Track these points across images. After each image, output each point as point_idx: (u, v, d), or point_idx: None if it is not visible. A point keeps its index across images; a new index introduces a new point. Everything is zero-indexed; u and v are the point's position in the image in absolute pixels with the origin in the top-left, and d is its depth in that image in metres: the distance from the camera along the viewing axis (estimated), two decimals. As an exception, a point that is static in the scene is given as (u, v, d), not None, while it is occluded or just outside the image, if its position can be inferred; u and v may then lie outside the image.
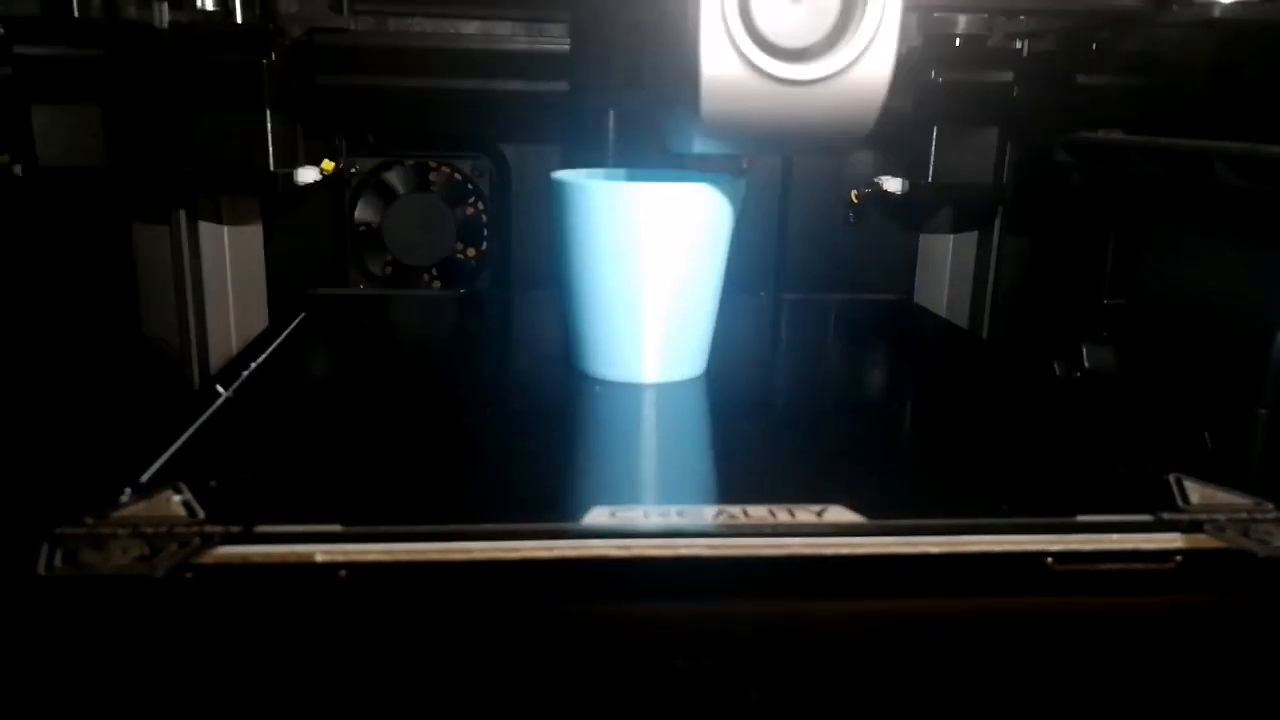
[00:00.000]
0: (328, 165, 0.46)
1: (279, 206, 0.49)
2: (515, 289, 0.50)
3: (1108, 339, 0.39)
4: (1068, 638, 0.21)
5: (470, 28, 0.45)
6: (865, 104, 0.26)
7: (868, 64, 0.25)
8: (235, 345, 0.49)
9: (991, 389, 0.35)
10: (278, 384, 0.33)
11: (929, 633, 0.21)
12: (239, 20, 0.40)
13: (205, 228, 0.48)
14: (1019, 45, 0.44)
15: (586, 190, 0.32)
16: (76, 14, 0.39)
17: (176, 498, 0.23)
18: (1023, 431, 0.31)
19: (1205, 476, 0.26)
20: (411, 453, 0.27)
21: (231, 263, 0.49)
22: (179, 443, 0.27)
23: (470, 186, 0.49)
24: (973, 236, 0.52)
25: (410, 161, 0.49)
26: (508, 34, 0.45)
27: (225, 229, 0.48)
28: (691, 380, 0.34)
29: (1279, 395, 0.31)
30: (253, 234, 0.49)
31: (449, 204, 0.49)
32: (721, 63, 0.25)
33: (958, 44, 0.43)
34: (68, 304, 0.45)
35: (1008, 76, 0.44)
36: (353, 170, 0.48)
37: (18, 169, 0.39)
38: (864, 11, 0.25)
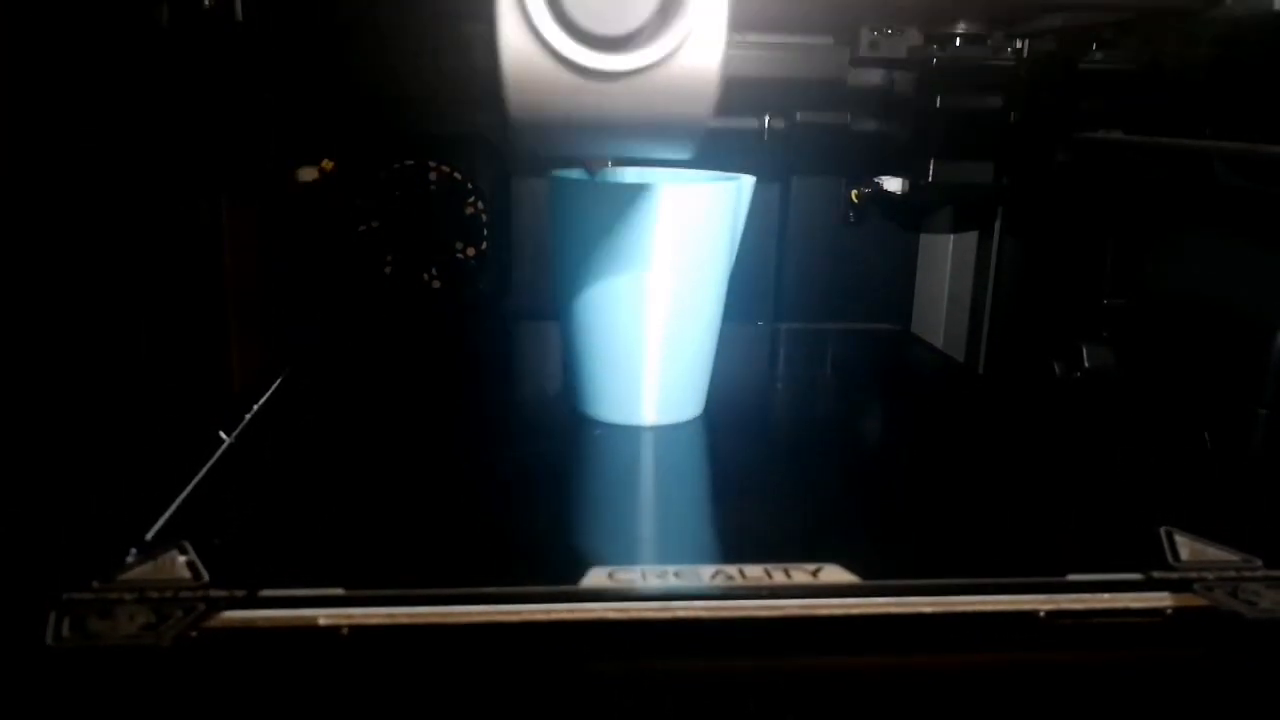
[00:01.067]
0: (327, 165, 0.46)
1: (278, 206, 0.49)
2: (515, 295, 0.50)
3: (1108, 339, 0.39)
4: (1059, 696, 0.21)
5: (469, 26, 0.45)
6: (694, 97, 0.22)
7: (692, 52, 0.22)
8: (235, 345, 0.49)
9: (986, 432, 0.35)
10: (279, 428, 0.33)
11: (923, 691, 0.21)
12: (239, 18, 0.40)
13: (204, 228, 0.48)
14: (1019, 45, 0.44)
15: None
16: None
17: (181, 558, 0.23)
18: (1017, 478, 0.31)
19: (1205, 478, 0.26)
20: (411, 505, 0.28)
21: (231, 263, 0.49)
22: (183, 495, 0.27)
23: (470, 186, 0.49)
24: (973, 236, 0.52)
25: (409, 161, 0.49)
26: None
27: (225, 229, 0.48)
28: (690, 423, 0.34)
29: (1279, 395, 0.31)
30: (252, 234, 0.49)
31: (449, 203, 0.49)
32: (523, 54, 0.21)
33: (957, 43, 0.43)
34: (65, 304, 0.44)
35: (1008, 77, 0.44)
36: (352, 170, 0.48)
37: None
38: None
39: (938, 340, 0.54)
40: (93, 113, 0.38)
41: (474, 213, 0.50)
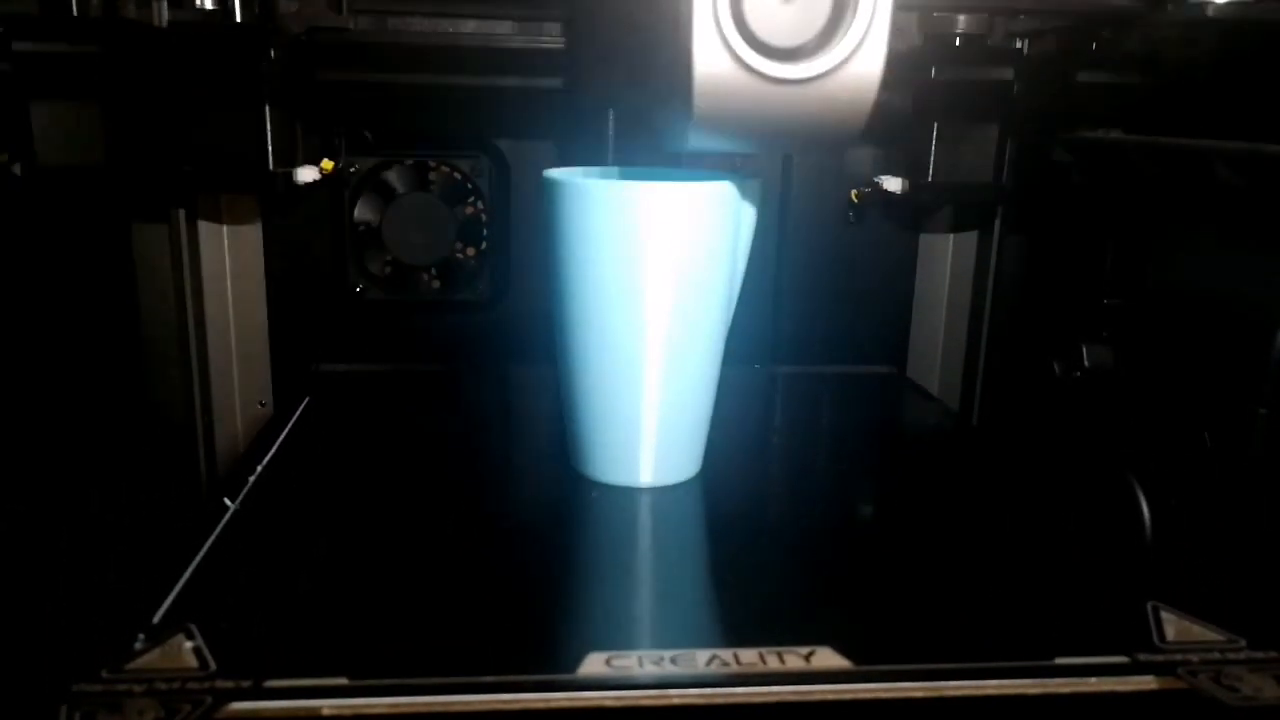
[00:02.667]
0: (327, 165, 0.46)
1: (278, 206, 0.49)
2: (514, 296, 0.50)
3: (1107, 339, 0.39)
4: None
5: (469, 26, 0.45)
6: (857, 102, 0.26)
7: (858, 63, 0.25)
8: (234, 345, 0.50)
9: (978, 495, 0.36)
10: (282, 491, 0.34)
11: None
12: (238, 19, 0.40)
13: (204, 227, 0.48)
14: (1019, 45, 0.44)
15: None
16: (75, 12, 0.39)
17: (188, 644, 0.24)
18: (1008, 546, 0.32)
19: (1204, 477, 0.26)
20: (411, 580, 0.28)
21: (230, 262, 0.49)
22: (189, 571, 0.27)
23: (470, 186, 0.49)
24: (973, 236, 0.51)
25: (410, 161, 0.49)
26: (507, 33, 0.45)
27: (224, 228, 0.48)
28: (686, 485, 0.35)
29: (1279, 395, 0.31)
30: (252, 234, 0.49)
31: (448, 203, 0.49)
32: (714, 62, 0.25)
33: (957, 43, 0.43)
34: (66, 304, 0.45)
35: (1008, 76, 0.44)
36: (352, 170, 0.48)
37: (16, 168, 0.39)
38: (855, 10, 0.25)
39: (937, 340, 0.54)
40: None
41: (474, 213, 0.50)
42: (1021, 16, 0.43)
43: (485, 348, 0.51)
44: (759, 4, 0.25)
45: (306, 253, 0.49)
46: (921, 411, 0.48)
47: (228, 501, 0.32)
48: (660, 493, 0.34)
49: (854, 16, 0.25)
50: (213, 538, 0.30)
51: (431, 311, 0.51)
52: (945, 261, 0.53)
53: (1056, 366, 0.41)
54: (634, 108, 0.44)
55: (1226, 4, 0.33)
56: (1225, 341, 0.33)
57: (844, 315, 0.53)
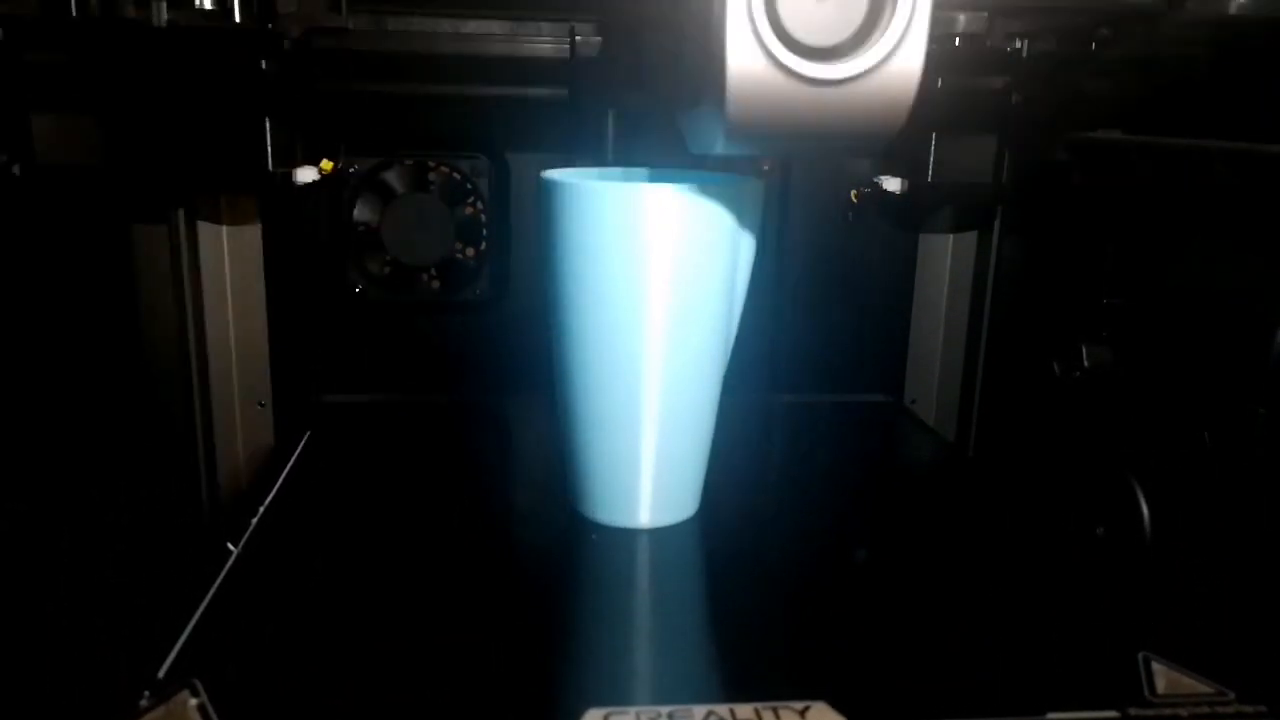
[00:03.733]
0: (326, 165, 0.46)
1: (277, 207, 0.49)
2: (514, 296, 0.50)
3: (1107, 339, 0.39)
4: None
5: (469, 27, 0.45)
6: (895, 103, 0.25)
7: (897, 63, 0.25)
8: (234, 346, 0.49)
9: (974, 538, 0.36)
10: (284, 535, 0.34)
11: None
12: (237, 19, 0.40)
13: (204, 227, 0.48)
14: (1019, 45, 0.44)
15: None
16: (74, 13, 0.39)
17: (193, 701, 0.24)
18: (1003, 591, 0.32)
19: (1203, 477, 0.26)
20: (411, 629, 0.29)
21: (230, 262, 0.49)
22: (193, 620, 0.28)
23: (469, 186, 0.49)
24: (973, 236, 0.51)
25: (409, 161, 0.49)
26: (507, 34, 0.45)
27: (224, 229, 0.48)
28: (684, 525, 0.35)
29: (1278, 395, 0.31)
30: (251, 234, 0.49)
31: (448, 204, 0.49)
32: (748, 62, 0.24)
33: (957, 44, 0.43)
34: (66, 304, 0.45)
35: (1007, 77, 0.44)
36: (351, 170, 0.48)
37: (16, 169, 0.39)
38: (894, 10, 0.24)
39: (937, 340, 0.54)
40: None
41: (474, 213, 0.50)
42: (1025, 16, 0.43)
43: (485, 348, 0.51)
44: (794, 2, 0.24)
45: (306, 253, 0.49)
46: (918, 446, 0.48)
47: (230, 546, 0.32)
48: (659, 534, 0.34)
49: (893, 14, 0.24)
50: (216, 585, 0.30)
51: (431, 311, 0.51)
52: (945, 261, 0.53)
53: (1056, 366, 0.41)
54: (640, 110, 0.44)
55: (1247, 1, 0.33)
56: (1225, 341, 0.33)
57: (843, 315, 0.53)
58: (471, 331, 0.51)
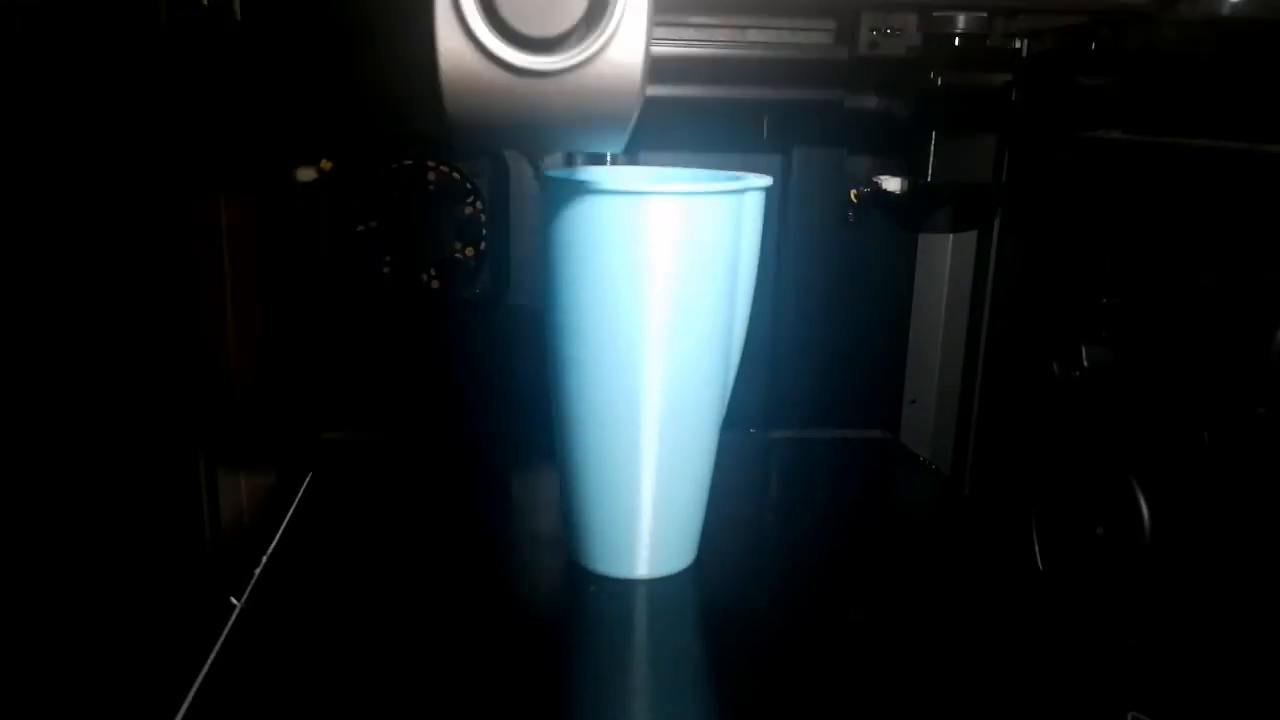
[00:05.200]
0: (326, 165, 0.46)
1: (277, 206, 0.49)
2: (513, 295, 0.50)
3: (1107, 338, 0.39)
4: None
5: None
6: (619, 94, 0.24)
7: (615, 52, 0.23)
8: (234, 344, 0.50)
9: (967, 589, 0.36)
10: (286, 587, 0.34)
11: None
12: (237, 19, 0.40)
13: (204, 227, 0.48)
14: (1018, 45, 0.44)
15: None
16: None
17: None
18: (992, 654, 0.32)
19: (1203, 477, 0.26)
20: (414, 697, 0.29)
21: (231, 263, 0.49)
22: (197, 682, 0.28)
23: (469, 186, 0.49)
24: (972, 236, 0.51)
25: (408, 161, 0.49)
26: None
27: (224, 229, 0.48)
28: (681, 576, 0.35)
29: (1278, 395, 0.31)
30: (252, 234, 0.49)
31: (447, 204, 0.49)
32: (459, 55, 0.23)
33: (956, 43, 0.43)
34: (66, 304, 0.44)
35: (1007, 76, 0.44)
36: (351, 170, 0.48)
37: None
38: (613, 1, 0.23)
39: (937, 341, 0.54)
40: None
41: (473, 213, 0.50)
42: (1023, 16, 0.43)
43: (484, 348, 0.51)
44: None
45: (306, 253, 0.49)
46: (914, 487, 0.48)
47: (234, 601, 0.32)
48: (656, 585, 0.34)
49: (613, 3, 0.23)
50: (220, 641, 0.30)
51: (430, 311, 0.51)
52: (945, 261, 0.53)
53: (1056, 366, 0.41)
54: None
55: (1241, 2, 0.33)
56: (1225, 341, 0.33)
57: (844, 314, 0.53)
58: (471, 331, 0.51)
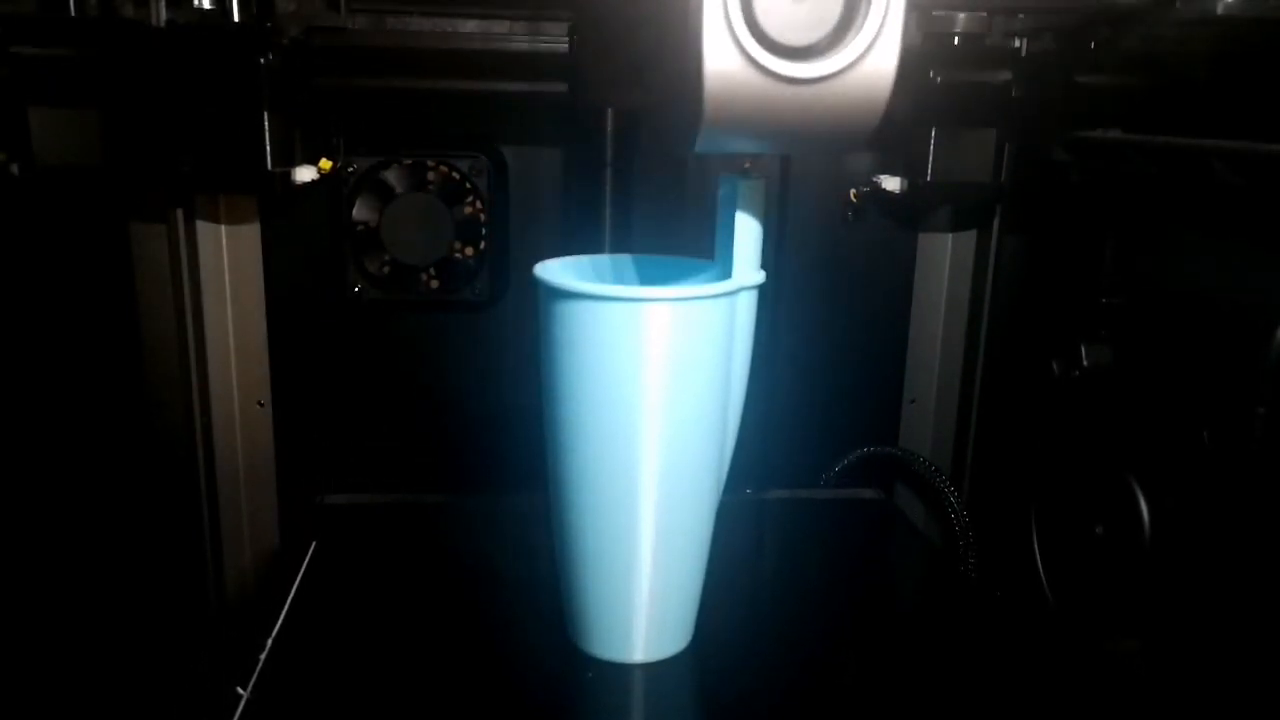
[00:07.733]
0: (325, 164, 0.46)
1: (276, 206, 0.49)
2: (513, 296, 0.50)
3: (1106, 338, 0.39)
4: None
5: (468, 26, 0.45)
6: (870, 102, 0.26)
7: (871, 61, 0.25)
8: (233, 345, 0.50)
9: (963, 665, 0.36)
10: (292, 672, 0.34)
11: None
12: (236, 19, 0.40)
13: (203, 227, 0.48)
14: (1018, 44, 0.44)
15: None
16: (73, 13, 0.39)
17: None
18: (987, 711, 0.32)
19: (1203, 477, 0.26)
20: None
21: (229, 262, 0.49)
22: None
23: (468, 185, 0.49)
24: (972, 236, 0.51)
25: (408, 160, 0.49)
26: (506, 32, 0.45)
27: (223, 228, 0.48)
28: (678, 659, 0.35)
29: (1278, 395, 0.31)
30: (250, 234, 0.49)
31: (447, 203, 0.49)
32: (724, 61, 0.25)
33: (956, 43, 0.43)
34: (66, 305, 0.45)
35: (1006, 76, 0.44)
36: (350, 169, 0.48)
37: (14, 168, 0.39)
38: (868, 9, 0.25)
39: (936, 340, 0.54)
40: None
41: (473, 213, 0.49)
42: (1021, 16, 0.43)
43: (484, 348, 0.51)
44: (770, 2, 0.24)
45: (305, 252, 0.49)
46: (908, 553, 0.48)
47: (240, 690, 0.32)
48: (653, 669, 0.34)
49: (867, 14, 0.25)
50: None
51: (430, 311, 0.51)
52: (945, 261, 0.53)
53: (1056, 366, 0.41)
54: (636, 109, 0.44)
55: (1235, 1, 0.33)
56: (1224, 341, 0.33)
57: (844, 315, 0.53)
58: (471, 331, 0.51)
